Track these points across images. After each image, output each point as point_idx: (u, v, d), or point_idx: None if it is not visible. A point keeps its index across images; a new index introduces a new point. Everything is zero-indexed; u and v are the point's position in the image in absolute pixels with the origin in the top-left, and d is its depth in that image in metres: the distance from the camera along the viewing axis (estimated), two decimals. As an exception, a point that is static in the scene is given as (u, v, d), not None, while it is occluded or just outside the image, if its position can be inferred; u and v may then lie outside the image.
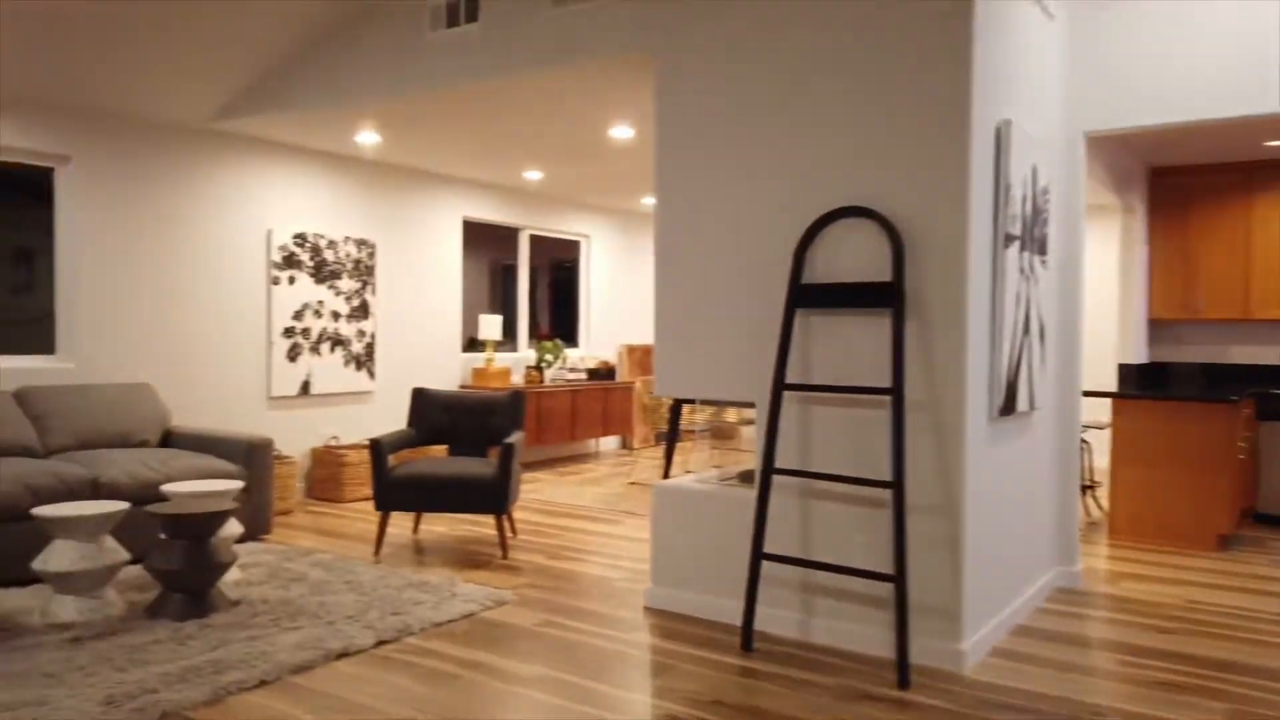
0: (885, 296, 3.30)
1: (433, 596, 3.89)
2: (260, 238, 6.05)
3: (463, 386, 7.51)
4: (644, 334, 9.59)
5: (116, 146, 5.30)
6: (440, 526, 5.43)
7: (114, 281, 5.31)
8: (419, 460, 4.84)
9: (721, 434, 7.86)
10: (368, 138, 5.92)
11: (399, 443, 4.95)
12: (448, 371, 7.43)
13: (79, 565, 3.48)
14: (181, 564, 3.54)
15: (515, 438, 4.81)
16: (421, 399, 5.29)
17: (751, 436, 8.04)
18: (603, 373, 8.37)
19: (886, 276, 3.37)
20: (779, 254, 3.61)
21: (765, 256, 3.65)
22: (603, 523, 5.59)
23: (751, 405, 3.73)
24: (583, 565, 4.56)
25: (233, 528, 4.15)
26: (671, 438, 6.37)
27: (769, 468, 3.46)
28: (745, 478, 4.03)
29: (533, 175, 7.24)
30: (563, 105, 4.98)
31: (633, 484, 6.98)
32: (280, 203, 6.17)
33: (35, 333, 5.17)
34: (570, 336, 8.92)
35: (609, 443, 9.03)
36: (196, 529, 3.60)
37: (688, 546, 3.85)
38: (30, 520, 4.01)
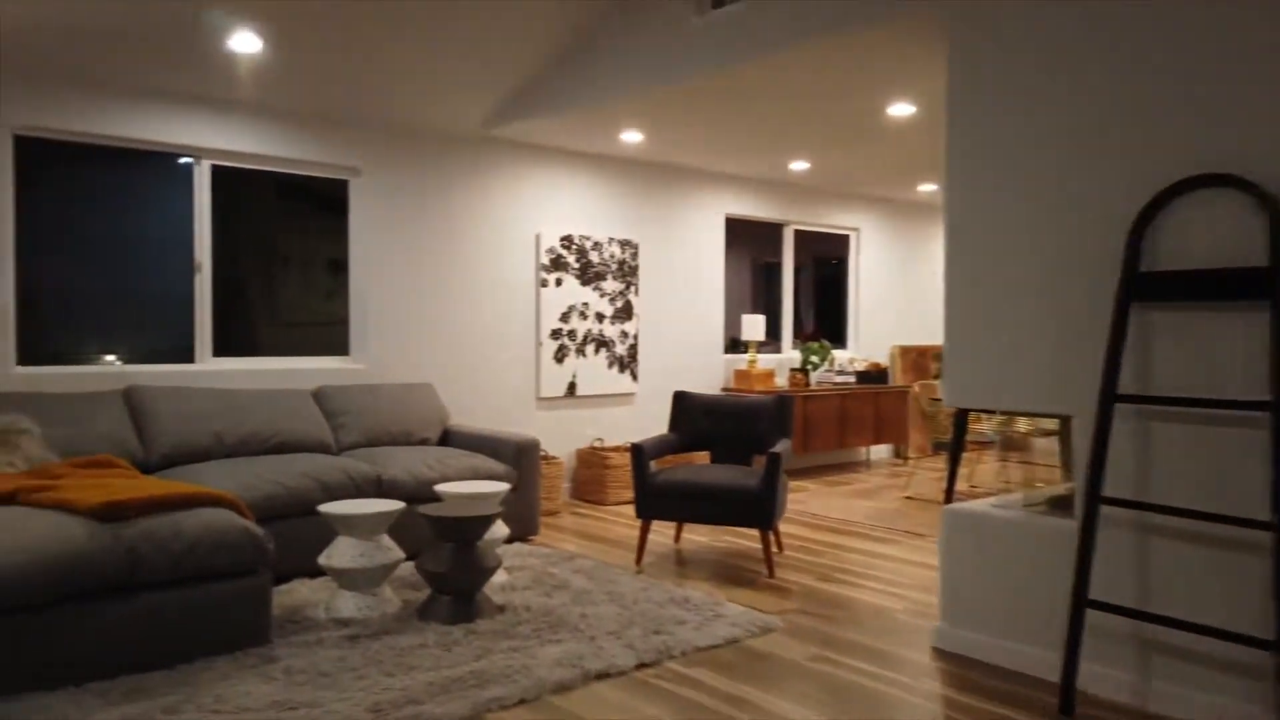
0: (1259, 286, 2.60)
1: (695, 616, 3.63)
2: (529, 241, 6.15)
3: (724, 389, 7.27)
4: (919, 334, 8.88)
5: (398, 157, 5.56)
6: (701, 536, 5.19)
7: (398, 286, 5.58)
8: (680, 468, 4.62)
9: (1011, 445, 7.04)
10: (631, 136, 5.82)
11: (660, 448, 4.77)
12: (709, 373, 7.22)
13: (358, 562, 3.57)
14: (449, 566, 3.53)
15: (782, 447, 4.46)
16: (683, 402, 5.08)
17: (1047, 449, 7.13)
18: (874, 375, 7.80)
19: (1259, 261, 2.66)
20: (1102, 238, 2.99)
21: (1084, 242, 3.03)
22: (878, 542, 5.09)
23: (1063, 417, 3.13)
24: (858, 591, 4.12)
25: (500, 530, 4.14)
26: (956, 450, 5.72)
27: (1095, 496, 2.85)
28: (1058, 504, 3.41)
29: (799, 166, 6.85)
30: (836, 84, 4.56)
31: (909, 499, 6.39)
32: (548, 206, 6.24)
33: (339, 335, 5.53)
34: (837, 337, 8.42)
35: (880, 451, 8.42)
36: (464, 532, 3.58)
37: (987, 582, 3.31)
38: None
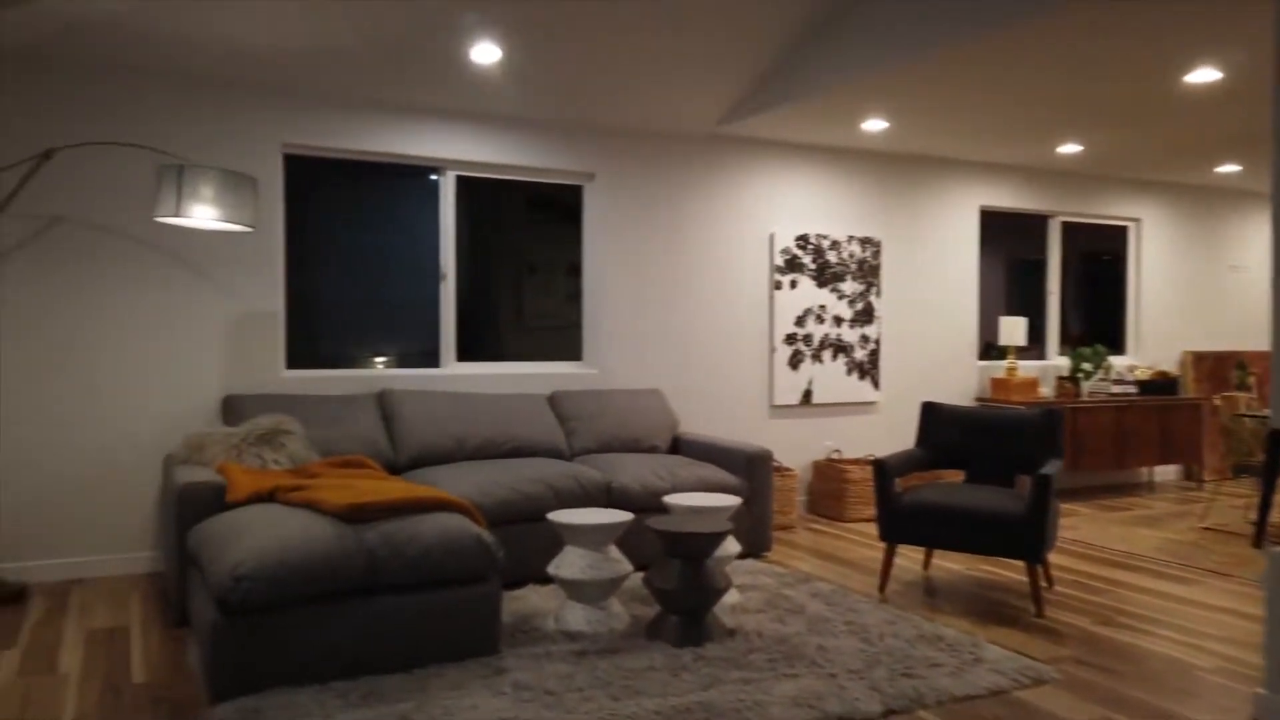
0: None
1: (951, 658, 3.21)
2: (762, 241, 5.89)
3: (979, 399, 6.63)
4: (1216, 338, 7.71)
5: (631, 161, 5.49)
6: (954, 564, 4.69)
7: (629, 290, 5.51)
8: (930, 487, 4.17)
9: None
10: (874, 125, 5.40)
11: (906, 464, 4.34)
12: (961, 382, 6.62)
13: (586, 574, 3.47)
14: (677, 584, 3.35)
15: (1052, 467, 3.90)
16: (932, 414, 4.61)
17: (1391, 477, 5.89)
18: (1160, 385, 6.83)
19: None
20: None
21: None
22: (1170, 580, 4.36)
23: None
24: (1148, 640, 3.50)
25: (730, 546, 3.91)
26: (1271, 477, 4.82)
27: None
28: None
29: (1069, 149, 6.11)
30: (1120, 47, 3.94)
31: (1208, 530, 5.49)
32: (782, 204, 5.95)
33: (574, 340, 5.55)
34: (1113, 342, 7.47)
35: (1166, 473, 7.38)
36: (693, 549, 3.38)
37: (1332, 647, 2.65)
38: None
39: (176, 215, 3.62)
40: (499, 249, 5.53)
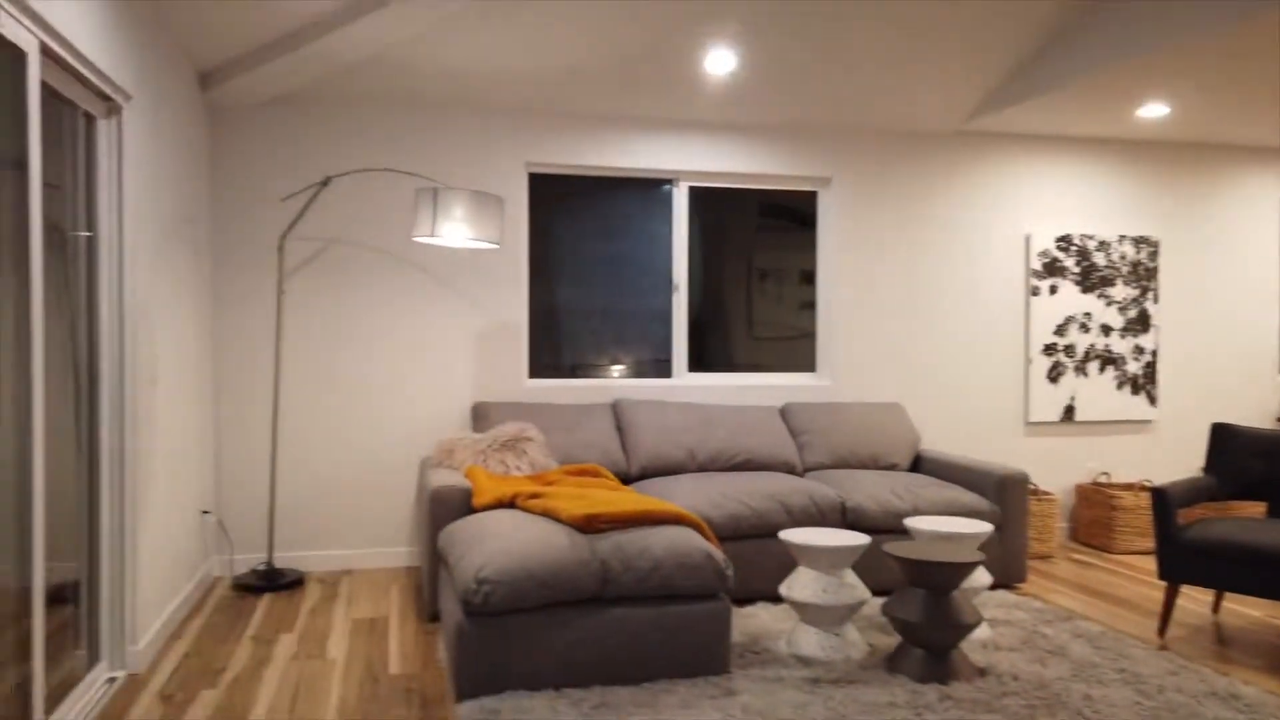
0: None
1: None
2: (1017, 244, 5.43)
3: (1279, 419, 5.76)
4: None
5: (869, 163, 5.25)
6: (1254, 609, 4.07)
7: (866, 299, 5.26)
8: (1222, 522, 3.64)
9: None
10: (1152, 110, 4.83)
11: (1192, 494, 3.81)
12: (1259, 401, 5.77)
13: (820, 598, 3.32)
14: (920, 616, 3.12)
15: (1387, 505, 3.27)
16: (1224, 438, 4.02)
17: None
18: None
19: None
20: None
21: None
22: None
23: None
24: None
25: (981, 578, 3.61)
26: None
27: None
28: None
29: (1401, 127, 5.16)
30: None
31: None
32: (1039, 203, 5.46)
33: (806, 350, 5.39)
34: None
35: None
36: (938, 579, 3.13)
37: None
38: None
39: (432, 235, 3.86)
40: (731, 257, 5.48)
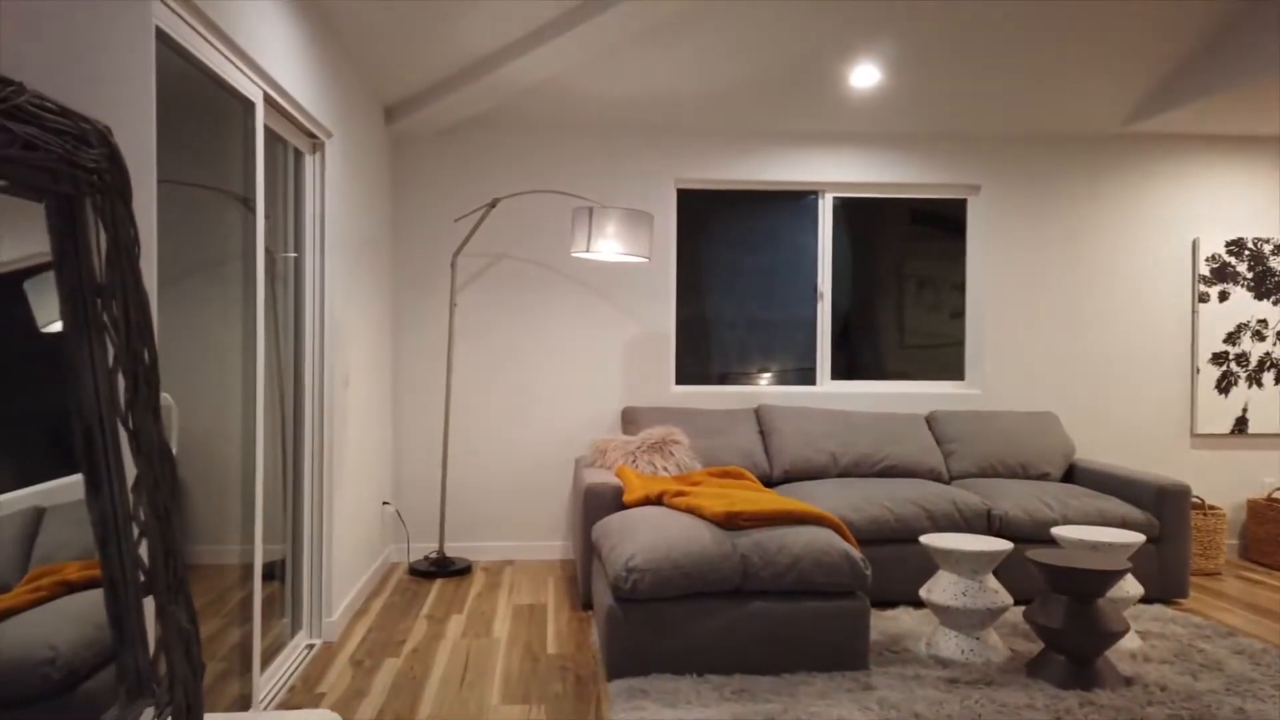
0: None
1: None
2: (1183, 249, 5.23)
3: None
4: None
5: (1020, 169, 5.19)
6: None
7: (1018, 305, 5.20)
8: (1407, 539, 3.43)
9: None
10: (1331, 106, 4.57)
11: (1373, 510, 3.60)
12: None
13: (960, 601, 3.37)
14: (1063, 623, 3.12)
15: None
16: None
17: None
18: None
19: None
20: None
21: None
22: None
23: None
24: None
25: (1131, 588, 3.55)
26: None
27: None
28: None
29: None
30: None
31: None
32: (1207, 206, 5.24)
33: (955, 358, 5.38)
34: None
35: None
36: (1081, 586, 3.13)
37: None
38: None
39: (587, 251, 4.15)
40: (882, 265, 5.54)
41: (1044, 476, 4.78)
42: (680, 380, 5.25)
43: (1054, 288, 5.21)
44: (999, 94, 4.69)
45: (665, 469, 4.40)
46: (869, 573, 3.26)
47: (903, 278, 5.52)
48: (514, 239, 4.99)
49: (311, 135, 3.48)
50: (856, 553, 3.28)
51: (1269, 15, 3.99)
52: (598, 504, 3.94)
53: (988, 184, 5.20)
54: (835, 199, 5.27)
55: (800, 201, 5.30)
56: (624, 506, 3.89)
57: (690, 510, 3.52)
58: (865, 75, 4.49)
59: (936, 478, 4.72)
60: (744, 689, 3.04)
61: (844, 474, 4.70)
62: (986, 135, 5.17)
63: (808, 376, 5.32)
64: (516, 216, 4.98)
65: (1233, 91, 4.31)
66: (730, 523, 3.34)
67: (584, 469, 4.36)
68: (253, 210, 2.81)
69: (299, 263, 3.51)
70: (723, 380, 5.34)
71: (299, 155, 3.49)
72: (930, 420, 5.02)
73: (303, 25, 3.20)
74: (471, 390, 4.98)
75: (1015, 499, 4.26)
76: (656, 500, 3.76)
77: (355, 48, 3.83)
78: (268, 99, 2.95)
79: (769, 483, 4.71)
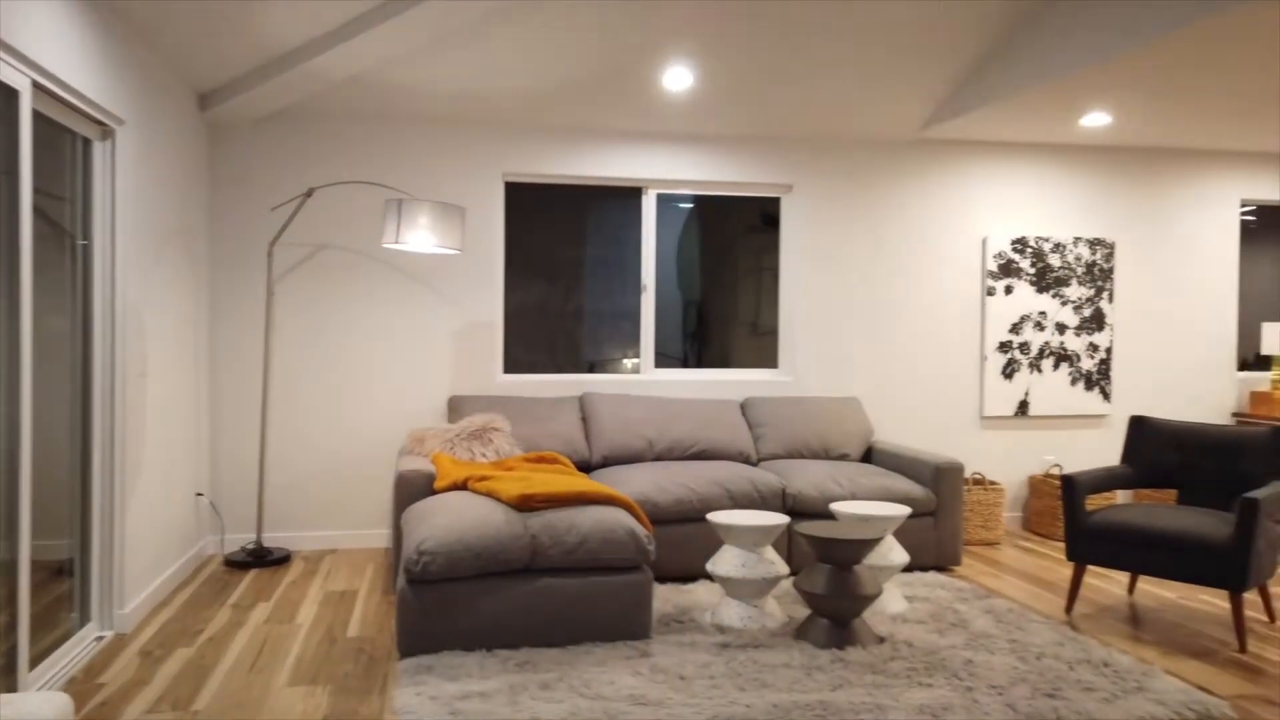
0: None
1: (1111, 684, 3.03)
2: (974, 246, 5.69)
3: (1237, 415, 5.94)
4: None
5: (830, 170, 5.54)
6: (1169, 592, 4.30)
7: (827, 298, 5.55)
8: (1127, 507, 3.89)
9: None
10: (1094, 120, 5.06)
11: (1102, 481, 4.06)
12: (1216, 396, 5.96)
13: (740, 572, 3.64)
14: (824, 588, 3.42)
15: (1268, 491, 3.51)
16: (1142, 430, 4.27)
17: None
18: None
19: None
20: None
21: None
22: None
23: None
24: (1376, 691, 3.07)
25: (897, 557, 3.89)
26: None
27: None
28: None
29: (1345, 132, 5.34)
30: (1357, 20, 3.48)
31: None
32: (996, 207, 5.71)
33: (770, 347, 5.70)
34: None
35: None
36: (840, 555, 3.44)
37: None
38: (727, 521, 4.38)
39: (397, 242, 4.23)
40: (736, 261, 5.81)
41: (844, 457, 5.14)
42: (510, 369, 5.38)
43: (859, 282, 5.59)
44: (808, 99, 5.00)
45: (484, 455, 4.52)
46: (652, 548, 3.48)
47: (759, 271, 5.82)
48: (335, 229, 5.00)
49: (99, 123, 3.44)
50: (642, 530, 3.49)
51: (1028, 38, 4.40)
52: (408, 490, 4.03)
53: (799, 183, 5.53)
54: (693, 199, 5.49)
55: (630, 197, 5.50)
56: (435, 493, 4.00)
57: (490, 494, 3.67)
58: (678, 78, 4.71)
59: (745, 460, 5.01)
60: (528, 661, 3.21)
61: (659, 458, 4.93)
62: (797, 137, 5.49)
63: (658, 364, 5.53)
64: (338, 207, 5.00)
65: (1006, 103, 4.72)
66: (524, 504, 3.50)
67: (401, 457, 4.44)
68: (17, 198, 2.78)
69: (89, 250, 3.47)
70: (595, 368, 5.55)
71: (87, 143, 3.44)
72: (744, 406, 5.31)
73: (84, 11, 3.16)
74: (295, 380, 4.97)
75: (810, 478, 4.58)
76: (462, 485, 3.89)
77: (152, 33, 3.78)
78: (38, 86, 2.92)
79: (588, 467, 4.90)
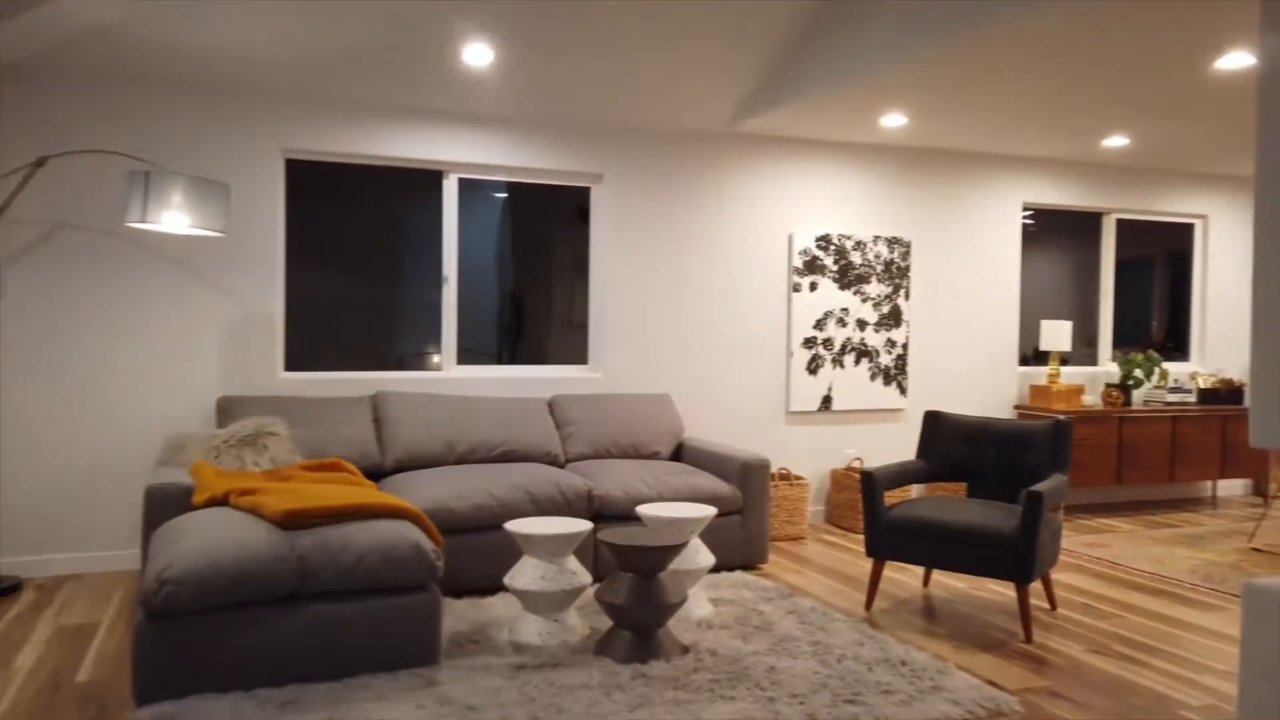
0: None
1: (908, 685, 3.01)
2: (781, 242, 5.70)
3: (1018, 408, 6.28)
4: (1290, 342, 7.11)
5: (641, 161, 5.38)
6: (958, 582, 4.43)
7: (639, 293, 5.40)
8: (922, 502, 3.95)
9: None
10: (893, 120, 5.16)
11: (900, 476, 4.11)
12: (999, 389, 6.28)
13: (538, 585, 3.39)
14: (626, 599, 3.23)
15: (1050, 484, 3.63)
16: (935, 424, 4.36)
17: None
18: (1223, 395, 6.35)
19: None
20: None
21: None
22: (1191, 606, 4.02)
23: None
24: (1138, 671, 3.22)
25: (702, 559, 3.77)
26: (1317, 495, 4.40)
27: None
28: None
29: (1115, 143, 5.72)
30: (1146, 32, 3.64)
31: (1256, 550, 5.05)
32: (802, 204, 5.75)
33: (581, 343, 5.48)
34: (1178, 347, 6.98)
35: (1233, 487, 6.86)
36: (644, 563, 3.26)
37: (1314, 694, 2.36)
38: (530, 528, 4.12)
39: (144, 221, 3.69)
40: (539, 252, 5.52)
41: (654, 456, 5.00)
42: (294, 367, 4.88)
43: (670, 276, 5.47)
44: (617, 85, 4.80)
45: (257, 464, 4.04)
46: (441, 563, 3.17)
47: (575, 264, 5.56)
48: (78, 205, 4.35)
49: None
50: (430, 544, 3.18)
51: (834, 31, 4.39)
52: (160, 507, 3.52)
53: (610, 173, 5.34)
54: (509, 187, 5.15)
55: (432, 181, 5.12)
56: (196, 509, 3.51)
57: (254, 509, 3.24)
58: (478, 54, 4.39)
59: (553, 461, 4.78)
60: (294, 700, 2.83)
61: (461, 461, 4.61)
62: (608, 126, 5.29)
63: (468, 359, 5.17)
64: (82, 180, 4.35)
65: (807, 101, 4.71)
66: (292, 521, 3.10)
67: (157, 468, 3.90)
68: None
69: None
70: (400, 365, 5.15)
71: None
72: (552, 404, 5.07)
73: None
74: (31, 380, 4.29)
75: (618, 479, 4.40)
76: (224, 500, 3.43)
77: None
78: None
79: (381, 473, 4.51)
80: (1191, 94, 4.55)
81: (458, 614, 3.70)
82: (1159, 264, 7.00)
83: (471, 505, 4.03)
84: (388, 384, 4.91)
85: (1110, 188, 6.52)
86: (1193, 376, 6.61)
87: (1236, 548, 5.10)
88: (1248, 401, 6.75)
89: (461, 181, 5.15)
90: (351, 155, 4.86)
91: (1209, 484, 6.76)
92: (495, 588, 4.09)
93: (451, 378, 5.06)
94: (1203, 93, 4.52)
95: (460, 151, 5.01)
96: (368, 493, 3.37)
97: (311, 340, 5.00)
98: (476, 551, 4.05)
